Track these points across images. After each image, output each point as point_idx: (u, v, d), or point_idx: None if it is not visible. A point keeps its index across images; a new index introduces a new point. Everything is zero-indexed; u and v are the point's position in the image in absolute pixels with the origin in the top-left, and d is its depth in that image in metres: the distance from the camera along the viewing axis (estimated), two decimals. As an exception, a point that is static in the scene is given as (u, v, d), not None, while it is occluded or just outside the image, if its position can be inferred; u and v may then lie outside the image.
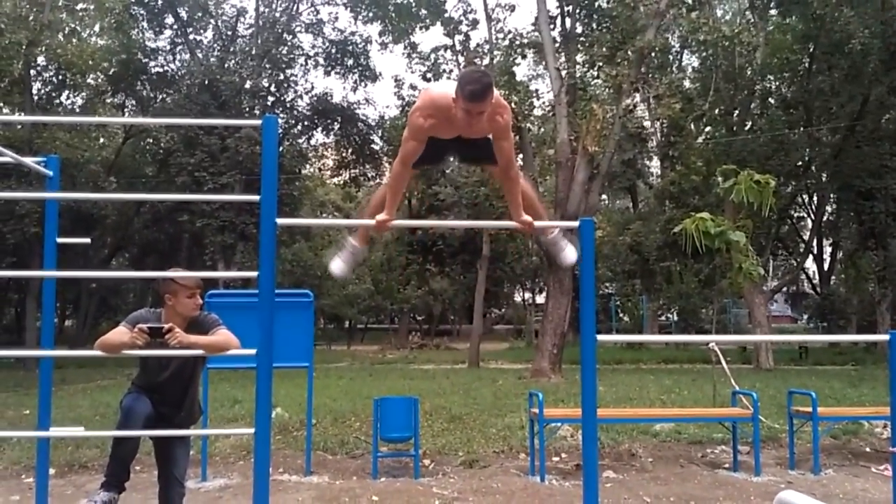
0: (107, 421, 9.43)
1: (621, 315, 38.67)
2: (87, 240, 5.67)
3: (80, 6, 25.42)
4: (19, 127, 23.66)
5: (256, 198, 3.83)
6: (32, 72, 24.91)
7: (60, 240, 5.31)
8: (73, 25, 26.10)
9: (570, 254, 4.07)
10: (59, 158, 5.56)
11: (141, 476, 6.59)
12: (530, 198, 3.95)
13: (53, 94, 27.25)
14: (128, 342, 3.76)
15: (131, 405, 4.15)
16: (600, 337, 3.78)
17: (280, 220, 3.88)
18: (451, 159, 4.15)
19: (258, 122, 4.03)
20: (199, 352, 3.95)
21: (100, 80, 26.96)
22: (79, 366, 19.43)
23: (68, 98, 28.60)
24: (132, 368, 6.07)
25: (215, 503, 6.38)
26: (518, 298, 49.96)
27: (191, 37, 29.03)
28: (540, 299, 40.73)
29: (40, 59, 24.69)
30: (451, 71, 22.29)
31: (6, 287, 29.64)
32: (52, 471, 7.30)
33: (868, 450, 8.61)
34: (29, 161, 5.26)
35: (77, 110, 28.50)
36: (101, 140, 29.94)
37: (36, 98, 25.88)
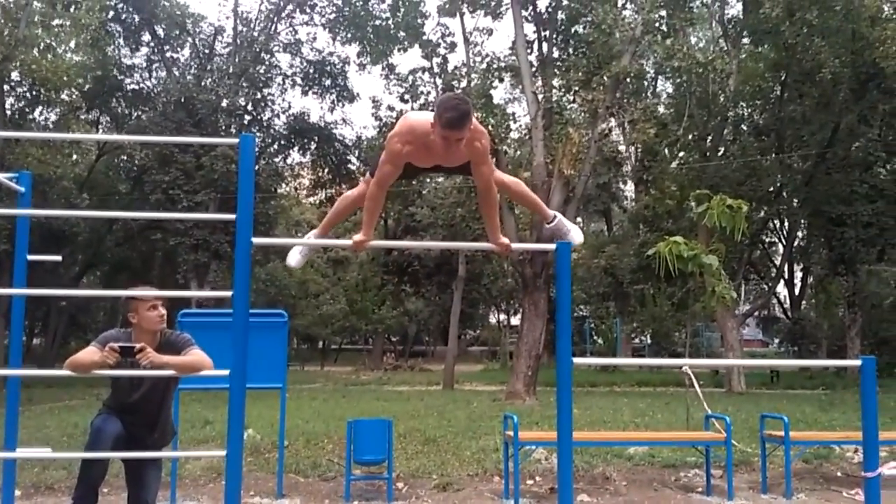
0: (75, 442, 9.25)
1: (595, 337, 38.83)
2: (59, 257, 5.61)
3: (55, 22, 25.21)
4: (-9, 142, 23.36)
5: (232, 217, 3.80)
6: (6, 87, 24.64)
7: (31, 257, 5.24)
8: (48, 41, 25.89)
9: (576, 235, 4.11)
10: (31, 174, 5.49)
11: (109, 498, 6.47)
12: (530, 199, 4.14)
13: (27, 110, 26.95)
14: (98, 361, 3.70)
15: (101, 426, 4.08)
16: (576, 359, 3.78)
17: (256, 240, 3.86)
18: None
19: (235, 140, 4.02)
20: (172, 372, 3.90)
21: (74, 97, 26.70)
22: (47, 385, 19.10)
23: (42, 114, 28.32)
24: (102, 388, 5.95)
25: (184, 527, 6.27)
26: (493, 320, 50.02)
27: (167, 54, 28.92)
28: (515, 321, 40.82)
29: (14, 75, 24.44)
30: (428, 93, 22.38)
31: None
32: (17, 492, 7.15)
33: (839, 474, 8.66)
34: (1, 177, 5.18)
35: (51, 126, 28.18)
36: (75, 157, 29.63)
37: (9, 113, 25.59)
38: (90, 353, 3.84)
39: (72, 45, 27.24)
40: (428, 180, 33.77)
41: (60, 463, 7.77)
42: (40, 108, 27.84)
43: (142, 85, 29.62)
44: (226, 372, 3.60)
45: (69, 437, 10.01)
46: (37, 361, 28.56)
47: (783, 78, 23.52)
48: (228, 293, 3.73)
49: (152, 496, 4.36)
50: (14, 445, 5.02)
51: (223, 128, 26.76)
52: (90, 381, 4.07)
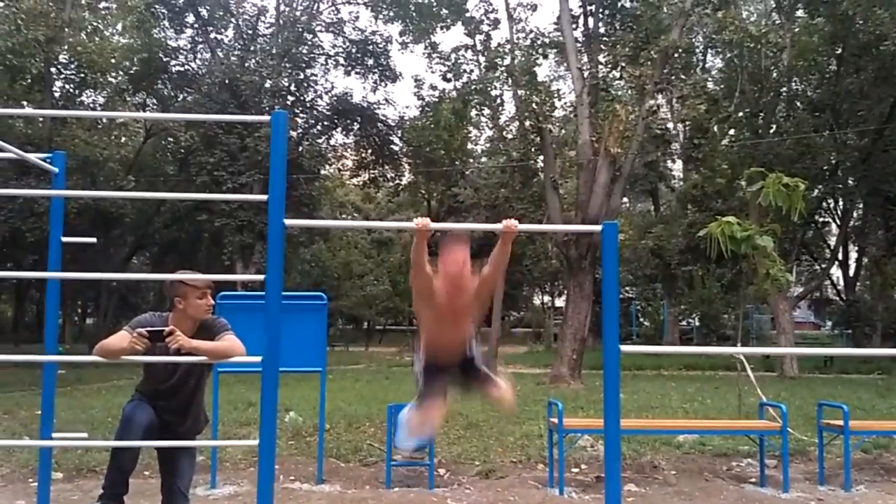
0: (117, 423, 9.29)
1: (642, 319, 38.30)
2: (93, 239, 5.49)
3: (102, 4, 25.47)
4: (40, 124, 23.72)
5: (264, 197, 3.65)
6: (53, 70, 24.96)
7: (65, 239, 5.15)
8: (95, 24, 26.13)
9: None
10: (65, 155, 5.38)
11: (150, 482, 6.42)
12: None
13: (75, 93, 27.31)
14: (127, 348, 3.58)
15: (131, 414, 3.97)
16: (623, 347, 3.54)
17: (287, 221, 3.69)
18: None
19: (266, 118, 3.85)
20: (202, 357, 3.76)
21: (120, 79, 26.96)
22: (95, 366, 19.37)
23: (89, 97, 28.68)
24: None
25: (224, 511, 6.20)
26: (537, 301, 49.65)
27: (211, 36, 29.06)
28: (559, 302, 40.49)
29: (62, 57, 24.74)
30: (471, 71, 22.05)
31: (28, 285, 29.77)
32: (59, 475, 7.17)
33: (901, 465, 8.28)
34: (33, 157, 5.07)
35: (98, 109, 28.57)
36: (123, 139, 30.01)
37: (57, 96, 25.95)
38: (120, 338, 3.72)
39: (118, 27, 27.54)
40: (472, 160, 33.51)
41: (103, 446, 7.78)
42: (88, 90, 28.19)
43: (187, 67, 29.83)
44: (258, 358, 3.45)
45: (113, 419, 10.04)
46: (90, 341, 29.12)
47: (840, 51, 22.64)
48: (262, 276, 3.58)
49: (186, 483, 4.25)
50: (50, 431, 4.96)
51: (267, 109, 26.80)
52: (138, 362, 4.08)
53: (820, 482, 7.41)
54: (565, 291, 19.97)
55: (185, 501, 4.25)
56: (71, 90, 26.89)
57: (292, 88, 28.60)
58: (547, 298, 47.35)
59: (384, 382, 16.38)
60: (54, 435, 5.04)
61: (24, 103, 24.52)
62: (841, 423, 7.34)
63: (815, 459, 7.90)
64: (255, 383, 13.61)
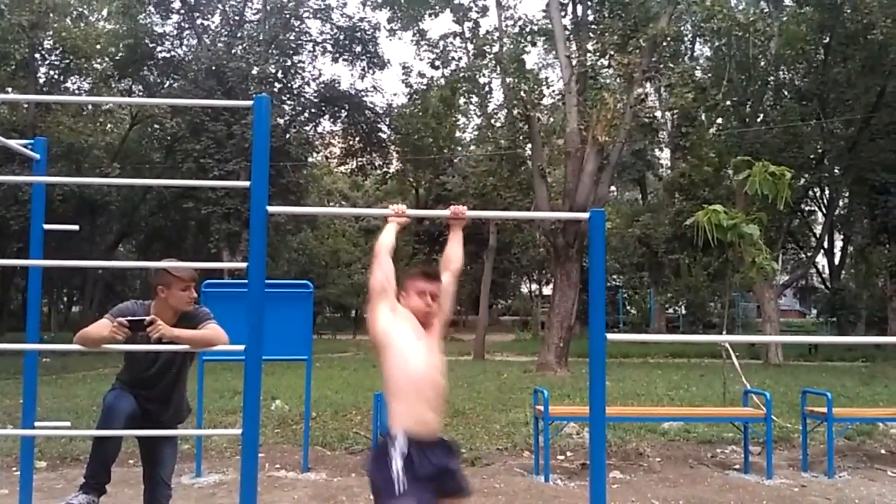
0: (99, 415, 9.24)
1: (628, 308, 38.43)
2: (76, 226, 5.44)
3: (86, -11, 25.22)
4: (24, 111, 23.50)
5: (246, 184, 3.61)
6: (38, 55, 24.72)
7: (47, 226, 5.09)
8: (80, 9, 25.89)
9: None
10: (46, 141, 5.33)
11: (134, 470, 6.39)
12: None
13: (59, 79, 27.06)
14: (107, 336, 3.54)
15: (113, 403, 3.94)
16: (610, 336, 3.53)
17: (271, 208, 3.66)
18: None
19: (249, 102, 3.80)
20: (184, 347, 3.73)
21: (106, 65, 26.73)
22: (80, 354, 19.28)
23: (74, 83, 28.42)
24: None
25: (209, 500, 6.18)
26: (524, 290, 49.75)
27: (198, 22, 28.79)
28: (547, 291, 40.54)
29: (46, 43, 24.49)
30: (459, 59, 21.97)
31: (13, 273, 29.53)
32: (43, 464, 7.13)
33: (883, 452, 8.35)
34: (14, 143, 5.01)
35: (83, 95, 28.34)
36: (108, 126, 29.77)
37: (42, 82, 25.70)
38: (100, 326, 3.68)
39: (103, 12, 27.30)
40: (459, 148, 33.44)
41: (86, 435, 7.74)
42: (73, 77, 27.94)
43: (173, 53, 29.53)
44: (241, 347, 3.43)
45: (98, 407, 10.00)
46: (75, 329, 28.97)
47: (827, 40, 22.71)
48: (244, 264, 3.55)
49: (168, 473, 4.23)
50: (32, 420, 4.92)
51: (254, 96, 26.28)
52: (117, 349, 4.05)
53: (803, 469, 7.45)
54: (552, 280, 19.99)
55: (168, 490, 4.23)
56: (55, 76, 26.66)
57: (279, 75, 28.41)
58: (534, 287, 47.48)
59: (371, 371, 16.35)
60: (37, 424, 5.00)
61: (9, 89, 24.30)
62: (824, 410, 7.39)
63: (798, 446, 7.94)
64: (241, 371, 13.54)
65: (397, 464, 2.89)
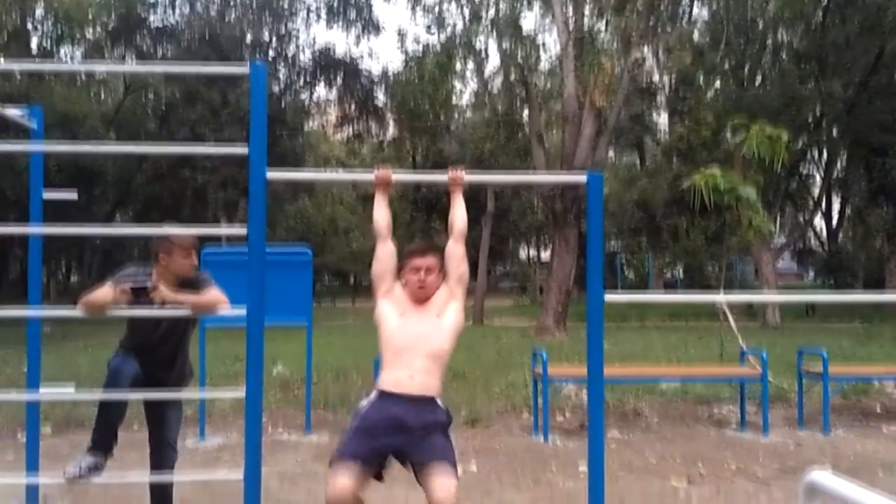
0: (103, 379, 9.33)
1: (627, 272, 38.55)
2: (74, 195, 5.45)
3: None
4: (18, 80, 23.31)
5: (245, 150, 3.62)
6: (30, 24, 24.47)
7: (46, 195, 5.10)
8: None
9: None
10: (42, 109, 5.32)
11: (138, 435, 6.47)
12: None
13: (52, 48, 26.80)
14: (111, 301, 3.58)
15: (118, 366, 3.99)
16: (608, 296, 3.57)
17: (270, 174, 3.68)
18: None
19: (245, 69, 3.79)
20: (185, 311, 3.77)
21: (98, 34, 26.46)
22: (81, 323, 19.34)
23: (67, 52, 28.17)
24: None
25: (213, 462, 6.26)
26: (523, 255, 49.83)
27: (190, -13, 28.44)
28: (545, 256, 40.63)
29: (38, 12, 24.24)
30: (455, 24, 21.79)
31: (10, 244, 29.55)
32: (48, 429, 7.21)
33: (878, 409, 8.46)
34: (9, 111, 5.01)
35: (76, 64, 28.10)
36: (102, 95, 29.57)
37: (35, 51, 25.46)
38: (103, 292, 3.72)
39: (94, -20, 26.90)
40: (457, 114, 33.27)
41: (91, 400, 7.81)
42: (66, 46, 27.68)
43: (166, 21, 29.24)
44: (243, 310, 3.47)
45: (100, 374, 10.07)
46: (74, 299, 29.02)
47: (825, 1, 22.51)
48: (243, 230, 3.57)
49: (174, 435, 4.29)
50: (37, 385, 4.98)
51: (248, 64, 26.41)
52: (123, 318, 4.07)
53: (800, 426, 7.56)
54: (551, 245, 20.06)
55: (174, 453, 4.29)
56: (48, 46, 26.41)
57: (273, 42, 28.19)
58: (533, 252, 47.55)
59: (371, 336, 16.40)
60: (42, 388, 5.06)
61: (1, 59, 24.07)
62: (821, 369, 7.47)
63: (794, 405, 8.05)
64: (241, 338, 13.60)
65: (357, 415, 3.28)
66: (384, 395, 3.27)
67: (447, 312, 3.46)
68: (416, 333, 3.35)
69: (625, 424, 7.70)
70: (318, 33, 54.24)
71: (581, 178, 3.86)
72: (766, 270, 21.98)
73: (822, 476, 1.58)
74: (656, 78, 25.67)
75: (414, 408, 3.22)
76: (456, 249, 3.54)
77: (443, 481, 3.04)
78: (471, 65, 22.99)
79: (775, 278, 22.57)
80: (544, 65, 21.78)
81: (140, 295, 3.62)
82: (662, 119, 33.76)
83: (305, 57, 30.10)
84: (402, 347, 3.32)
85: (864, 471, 5.83)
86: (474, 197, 31.55)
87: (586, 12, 19.00)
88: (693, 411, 8.27)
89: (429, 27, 22.45)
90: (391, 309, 3.46)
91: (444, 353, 3.39)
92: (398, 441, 3.18)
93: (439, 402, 3.35)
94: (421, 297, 3.45)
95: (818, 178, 31.97)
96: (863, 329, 18.62)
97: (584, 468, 5.05)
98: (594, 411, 3.74)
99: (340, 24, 29.83)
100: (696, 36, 24.40)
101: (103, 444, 3.91)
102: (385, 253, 3.56)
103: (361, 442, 3.17)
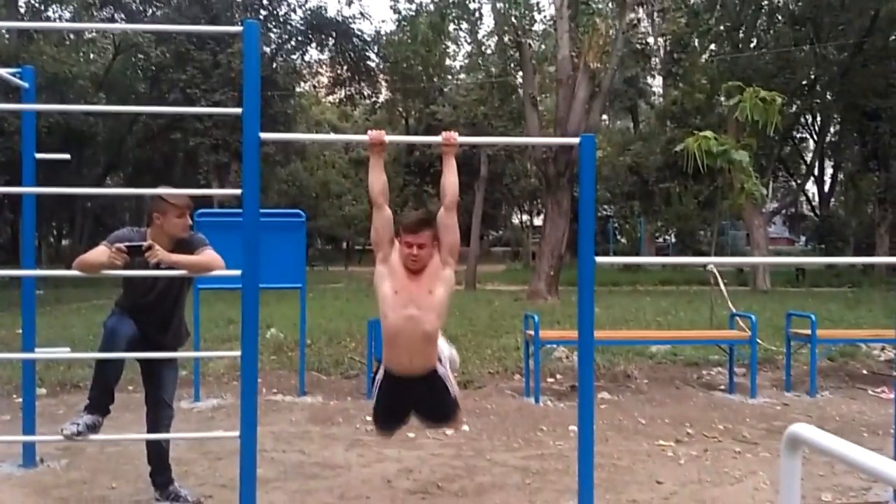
0: (98, 341, 9.37)
1: (619, 237, 38.64)
2: (67, 156, 5.44)
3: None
4: (6, 41, 22.97)
5: (238, 110, 3.62)
6: (17, -17, 24.06)
7: (39, 155, 5.09)
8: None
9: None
10: (33, 69, 5.28)
11: (134, 396, 6.53)
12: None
13: (40, 7, 26.36)
14: (106, 262, 3.59)
15: (114, 327, 4.01)
16: (598, 259, 3.62)
17: (263, 135, 3.68)
18: None
19: (238, 28, 3.78)
20: (181, 272, 3.79)
21: (87, -7, 25.99)
22: (74, 286, 19.36)
23: (55, 12, 27.70)
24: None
25: (208, 423, 6.34)
26: (516, 220, 49.83)
27: (180, -54, 27.96)
28: (538, 222, 40.65)
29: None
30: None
31: (0, 207, 29.37)
32: (43, 390, 7.27)
33: (865, 372, 8.58)
34: (1, 72, 4.97)
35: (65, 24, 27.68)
36: (92, 56, 29.17)
37: (22, 11, 25.05)
38: (99, 252, 3.72)
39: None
40: (450, 77, 33.01)
41: (85, 361, 7.85)
42: (54, 5, 27.21)
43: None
44: (238, 272, 3.50)
45: (94, 337, 10.12)
46: (66, 262, 28.98)
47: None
48: (238, 191, 3.59)
49: (170, 394, 4.34)
50: (32, 346, 5.02)
51: (239, 23, 26.02)
52: (117, 281, 4.07)
53: (787, 388, 7.68)
54: (543, 210, 20.07)
55: (170, 411, 4.34)
56: (36, 5, 25.98)
57: (265, 2, 27.80)
58: (526, 217, 47.53)
59: (364, 300, 16.52)
60: (37, 349, 5.11)
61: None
62: (809, 332, 7.57)
63: (782, 368, 8.17)
64: (235, 301, 13.67)
65: (376, 389, 3.70)
66: (390, 377, 3.61)
67: (438, 285, 3.56)
68: (407, 316, 3.49)
69: (615, 387, 7.80)
70: (309, -7, 53.44)
71: (574, 140, 3.89)
72: (757, 235, 22.06)
73: (803, 428, 1.63)
74: (651, 40, 25.50)
75: (420, 384, 3.60)
76: (447, 219, 3.60)
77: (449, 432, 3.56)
78: (464, 26, 22.77)
79: (766, 243, 22.67)
80: (539, 26, 21.56)
81: (136, 255, 3.63)
82: (657, 83, 33.62)
83: (297, 17, 29.73)
84: (396, 331, 3.51)
85: (849, 432, 5.94)
86: (467, 161, 31.47)
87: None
88: (682, 374, 8.37)
89: (422, -13, 22.17)
90: (386, 281, 3.59)
91: (437, 329, 3.58)
92: (412, 408, 3.71)
93: (440, 364, 3.65)
94: (414, 268, 3.55)
95: (811, 143, 31.98)
96: (852, 294, 18.77)
97: (574, 429, 5.12)
98: (584, 373, 3.81)
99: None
100: (691, -2, 24.20)
101: (100, 403, 3.95)
102: (381, 222, 3.61)
103: (387, 415, 3.80)
